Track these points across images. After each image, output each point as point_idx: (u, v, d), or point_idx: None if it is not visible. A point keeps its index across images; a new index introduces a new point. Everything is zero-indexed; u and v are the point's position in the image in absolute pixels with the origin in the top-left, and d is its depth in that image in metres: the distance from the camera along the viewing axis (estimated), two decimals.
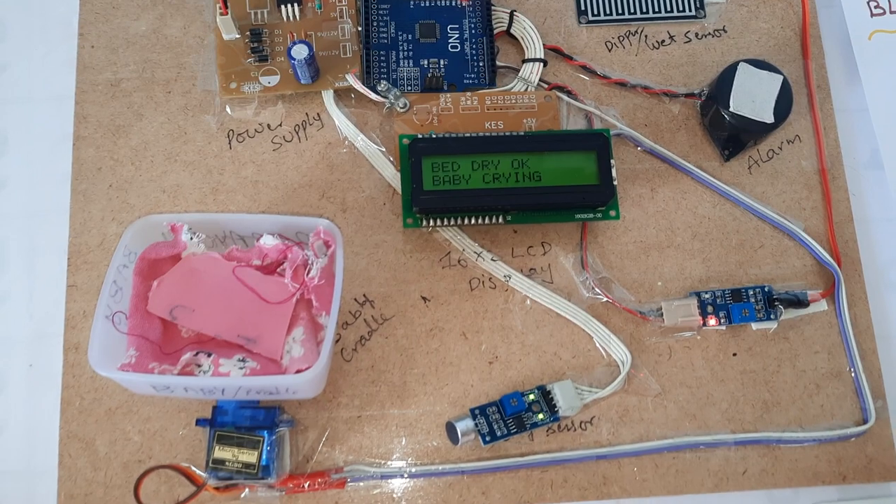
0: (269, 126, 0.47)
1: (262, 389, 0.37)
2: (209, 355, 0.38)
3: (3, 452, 0.42)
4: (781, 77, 0.46)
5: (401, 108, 0.46)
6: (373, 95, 0.46)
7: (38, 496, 0.42)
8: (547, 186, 0.43)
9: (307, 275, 0.39)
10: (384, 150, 0.46)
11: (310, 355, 0.38)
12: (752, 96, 0.46)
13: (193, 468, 0.41)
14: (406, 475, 0.42)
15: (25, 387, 0.43)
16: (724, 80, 0.46)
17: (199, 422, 0.39)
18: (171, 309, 0.39)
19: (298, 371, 0.37)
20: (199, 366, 0.38)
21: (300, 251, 0.39)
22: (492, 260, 0.45)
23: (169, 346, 0.39)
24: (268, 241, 0.40)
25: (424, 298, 0.45)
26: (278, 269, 0.40)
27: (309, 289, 0.39)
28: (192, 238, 0.39)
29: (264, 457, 0.38)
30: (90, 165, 0.46)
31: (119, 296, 0.38)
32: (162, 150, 0.46)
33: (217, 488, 0.40)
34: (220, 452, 0.38)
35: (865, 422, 0.44)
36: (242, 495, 0.41)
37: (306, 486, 0.41)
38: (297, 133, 0.47)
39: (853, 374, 0.45)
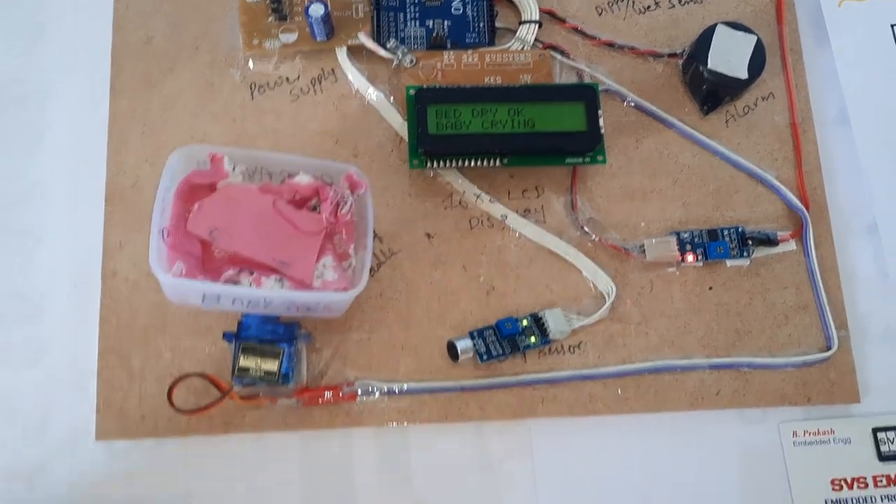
0: (287, 79, 0.51)
1: (304, 304, 0.41)
2: (251, 273, 0.42)
3: (48, 365, 0.47)
4: (755, 37, 0.50)
5: (408, 63, 0.50)
6: (382, 52, 0.50)
7: (79, 403, 0.46)
8: (540, 132, 0.47)
9: (340, 211, 0.44)
10: (392, 101, 0.51)
11: (341, 280, 0.43)
12: (729, 55, 0.50)
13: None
14: (410, 390, 0.47)
15: (67, 309, 0.48)
16: (703, 41, 0.50)
17: (226, 335, 0.43)
18: (211, 231, 0.43)
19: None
20: (239, 283, 0.43)
21: (340, 190, 0.44)
22: (490, 201, 0.50)
23: (208, 264, 0.43)
24: (303, 179, 0.44)
25: (428, 235, 0.49)
26: (307, 205, 0.44)
27: (340, 223, 0.44)
28: (233, 169, 0.44)
29: (284, 365, 0.43)
30: (125, 114, 0.50)
31: (164, 214, 0.42)
32: (190, 100, 0.51)
33: (241, 397, 0.45)
34: (245, 362, 0.43)
35: (829, 349, 0.48)
36: (263, 406, 0.46)
37: (320, 397, 0.46)
38: (314, 86, 0.51)
39: (818, 307, 0.49)
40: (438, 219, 0.50)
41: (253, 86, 0.51)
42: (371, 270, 0.48)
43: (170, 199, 0.42)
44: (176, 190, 0.43)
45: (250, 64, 0.51)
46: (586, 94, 0.48)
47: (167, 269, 0.41)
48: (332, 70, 0.52)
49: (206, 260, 0.43)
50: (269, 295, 0.40)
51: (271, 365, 0.43)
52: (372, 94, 0.51)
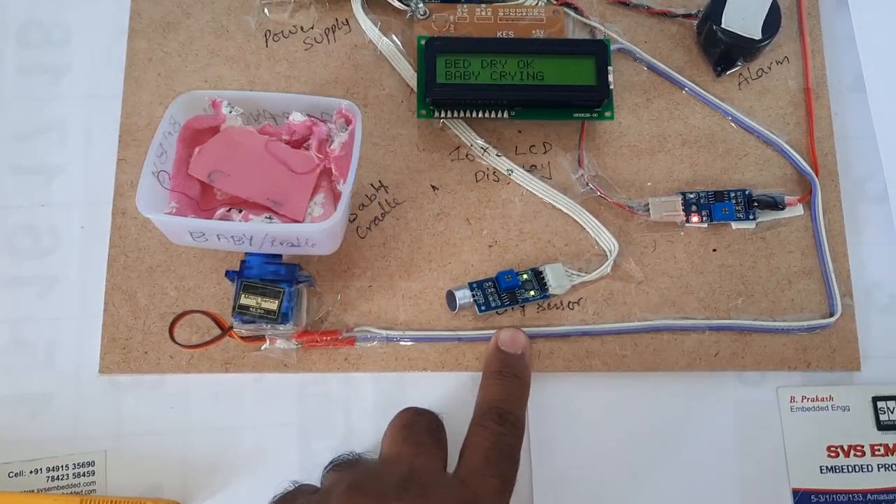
0: (302, 28, 0.52)
1: (285, 238, 0.41)
2: (240, 211, 0.43)
3: (57, 301, 0.48)
4: None
5: (421, 15, 0.51)
6: (396, 3, 0.51)
7: (85, 338, 0.47)
8: (548, 85, 0.47)
9: (329, 146, 0.44)
10: (404, 52, 0.51)
11: (328, 215, 0.43)
12: (743, 14, 0.50)
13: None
14: (408, 338, 0.47)
15: (78, 245, 0.49)
16: (719, 0, 0.50)
17: (228, 273, 0.44)
18: (210, 173, 0.44)
19: None
20: (230, 220, 0.43)
21: (324, 126, 0.44)
22: (496, 155, 0.50)
23: (205, 204, 0.44)
24: (296, 118, 0.44)
25: (434, 187, 0.50)
26: (304, 144, 0.45)
27: (330, 160, 0.44)
28: (231, 111, 0.44)
29: (284, 305, 0.43)
30: (142, 56, 0.51)
31: (164, 157, 0.43)
32: (206, 45, 0.51)
33: (242, 338, 0.45)
34: (246, 300, 0.43)
35: (832, 315, 0.48)
36: (263, 347, 0.46)
37: (319, 341, 0.46)
38: (327, 35, 0.52)
39: (823, 273, 0.49)
40: (444, 171, 0.50)
41: (268, 33, 0.52)
42: (375, 220, 0.49)
43: (171, 144, 0.43)
44: (178, 135, 0.43)
45: (266, 11, 0.52)
46: (597, 49, 0.48)
47: (165, 207, 0.42)
48: (346, 20, 0.52)
49: (206, 201, 0.44)
50: (248, 229, 0.41)
51: (271, 304, 0.43)
52: (384, 44, 0.51)
